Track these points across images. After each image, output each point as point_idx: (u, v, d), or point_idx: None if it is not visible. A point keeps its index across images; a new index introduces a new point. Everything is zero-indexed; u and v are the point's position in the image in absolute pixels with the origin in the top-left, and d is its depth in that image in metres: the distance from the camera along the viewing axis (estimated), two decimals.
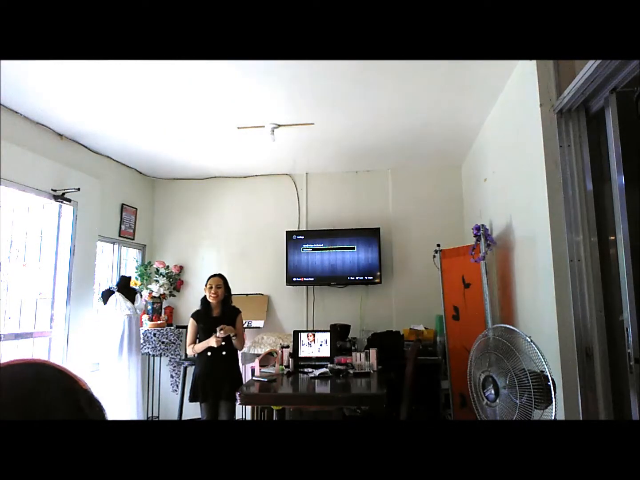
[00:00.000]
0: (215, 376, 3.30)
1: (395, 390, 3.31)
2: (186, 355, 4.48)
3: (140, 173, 5.01)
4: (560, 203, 2.25)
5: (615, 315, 2.10)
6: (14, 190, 3.24)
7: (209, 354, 3.31)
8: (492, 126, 3.47)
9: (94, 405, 0.61)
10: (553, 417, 1.86)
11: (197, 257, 5.11)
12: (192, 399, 3.38)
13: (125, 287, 4.20)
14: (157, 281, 4.78)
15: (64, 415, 0.56)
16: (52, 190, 3.51)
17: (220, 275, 3.50)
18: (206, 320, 3.36)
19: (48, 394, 0.57)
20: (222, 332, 3.22)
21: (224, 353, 3.32)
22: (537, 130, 2.36)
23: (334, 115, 3.47)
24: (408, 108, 3.36)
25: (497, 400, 2.06)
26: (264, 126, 3.61)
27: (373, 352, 3.59)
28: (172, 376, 4.58)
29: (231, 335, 3.29)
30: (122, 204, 4.63)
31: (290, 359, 3.69)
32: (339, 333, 4.21)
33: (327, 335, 3.86)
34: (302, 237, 4.80)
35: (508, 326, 2.17)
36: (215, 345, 3.24)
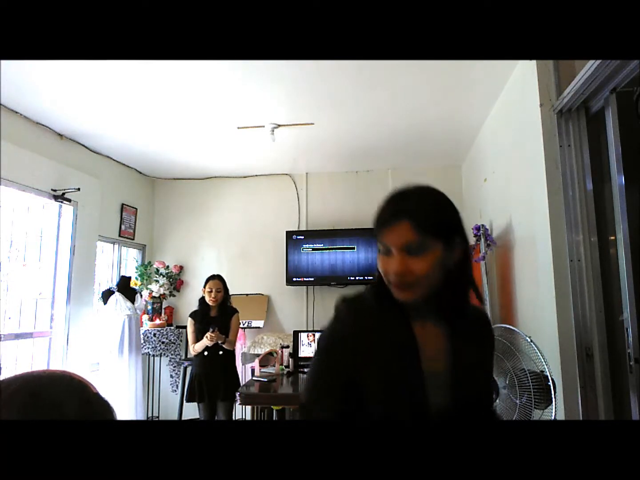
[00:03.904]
0: (211, 376, 3.30)
1: None
2: (186, 355, 4.48)
3: (140, 173, 5.01)
4: (560, 203, 2.25)
5: (615, 315, 2.10)
6: (14, 190, 3.24)
7: (205, 353, 3.32)
8: (492, 126, 3.47)
9: (103, 405, 0.62)
10: (553, 417, 1.87)
11: (197, 257, 5.11)
12: (188, 399, 3.38)
13: (125, 287, 4.20)
14: (157, 281, 4.78)
15: (77, 411, 0.58)
16: (52, 190, 3.51)
17: (219, 277, 3.49)
18: (204, 320, 3.36)
19: (65, 394, 0.59)
20: (213, 331, 3.23)
21: (220, 353, 3.33)
22: (537, 130, 2.36)
23: (334, 115, 3.47)
24: (408, 108, 3.36)
25: (497, 400, 2.06)
26: (264, 126, 3.61)
27: None
28: (172, 376, 4.58)
29: (220, 342, 3.29)
30: (122, 204, 4.63)
31: (290, 359, 3.69)
32: None
33: None
34: (302, 237, 4.80)
35: (508, 326, 2.17)
36: (209, 344, 3.26)
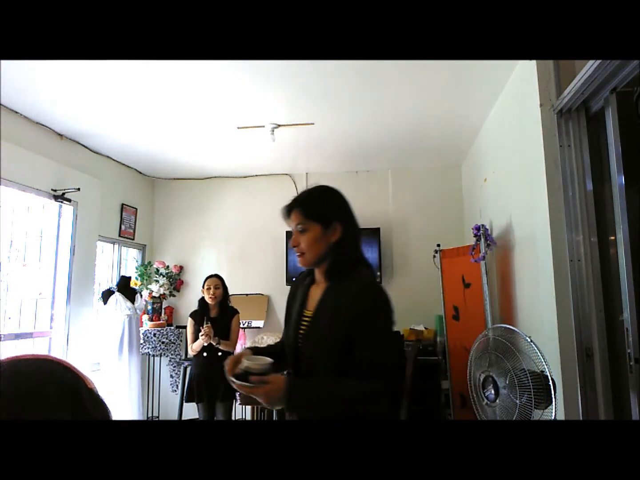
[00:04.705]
0: (210, 377, 3.30)
1: (395, 390, 3.30)
2: (186, 355, 4.48)
3: (140, 173, 5.01)
4: (560, 203, 2.25)
5: (615, 315, 2.10)
6: (14, 190, 3.24)
7: (204, 354, 3.33)
8: (492, 126, 3.47)
9: (98, 404, 0.61)
10: (553, 417, 1.87)
11: (197, 257, 5.11)
12: (187, 399, 3.39)
13: (125, 287, 4.20)
14: (157, 281, 4.78)
15: (66, 412, 0.56)
16: (52, 190, 3.51)
17: (218, 276, 3.51)
18: (203, 321, 3.36)
19: (50, 389, 0.56)
20: (207, 327, 3.24)
21: (220, 354, 3.33)
22: (537, 130, 2.36)
23: (334, 115, 3.47)
24: (408, 108, 3.36)
25: (497, 400, 2.06)
26: (264, 126, 3.61)
27: None
28: (172, 376, 4.58)
29: (214, 343, 3.29)
30: (122, 204, 4.63)
31: None
32: None
33: None
34: None
35: (508, 326, 2.17)
36: (205, 343, 3.26)
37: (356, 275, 1.32)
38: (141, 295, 4.38)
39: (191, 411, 3.92)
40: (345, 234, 1.37)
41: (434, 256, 3.94)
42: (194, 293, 4.87)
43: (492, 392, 2.09)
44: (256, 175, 5.10)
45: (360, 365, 1.23)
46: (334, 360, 1.26)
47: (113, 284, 4.37)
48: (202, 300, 3.47)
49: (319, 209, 1.38)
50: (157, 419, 4.73)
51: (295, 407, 1.25)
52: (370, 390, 1.22)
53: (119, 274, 4.65)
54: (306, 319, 1.36)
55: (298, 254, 1.37)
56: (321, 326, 1.30)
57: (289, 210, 1.42)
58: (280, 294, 4.91)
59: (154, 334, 4.52)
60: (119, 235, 4.60)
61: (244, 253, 5.03)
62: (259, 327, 4.69)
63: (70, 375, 0.60)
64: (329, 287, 1.35)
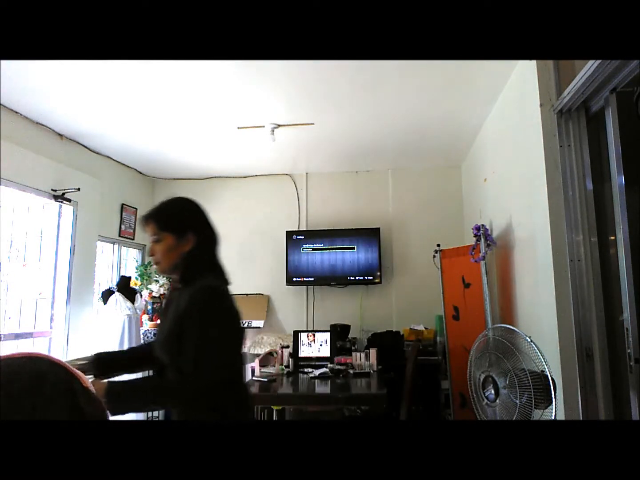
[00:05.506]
0: None
1: (395, 390, 3.31)
2: None
3: (140, 173, 5.01)
4: (560, 203, 2.25)
5: (615, 315, 2.10)
6: (14, 190, 3.24)
7: None
8: (492, 126, 3.47)
9: (94, 404, 0.60)
10: (553, 417, 1.87)
11: None
12: None
13: (125, 287, 4.20)
14: (157, 281, 4.78)
15: (61, 413, 0.55)
16: (52, 190, 3.51)
17: None
18: None
19: (44, 389, 0.55)
20: None
21: None
22: (537, 130, 2.36)
23: (334, 115, 3.47)
24: (408, 108, 3.36)
25: (497, 400, 2.06)
26: (264, 126, 3.61)
27: (373, 352, 3.59)
28: None
29: None
30: (122, 204, 4.63)
31: (290, 359, 3.69)
32: (339, 333, 4.21)
33: (327, 335, 3.86)
34: (302, 237, 4.80)
35: (508, 326, 2.17)
36: None
37: (200, 281, 1.39)
38: (141, 295, 4.38)
39: None
40: (198, 244, 1.46)
41: (434, 256, 3.95)
42: None
43: (492, 392, 2.09)
44: (256, 175, 5.10)
45: (183, 363, 1.31)
46: (171, 358, 1.36)
47: (113, 284, 4.36)
48: None
49: (172, 221, 1.46)
50: (157, 419, 4.73)
51: (114, 408, 1.25)
52: (178, 386, 1.31)
53: (119, 274, 4.65)
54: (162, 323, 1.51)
55: (154, 262, 1.47)
56: (163, 328, 1.44)
57: (145, 221, 1.47)
58: (280, 294, 4.92)
59: (154, 334, 4.51)
60: (119, 235, 4.60)
61: (244, 253, 5.02)
62: (259, 327, 4.69)
63: (64, 374, 0.59)
64: (178, 293, 1.45)
